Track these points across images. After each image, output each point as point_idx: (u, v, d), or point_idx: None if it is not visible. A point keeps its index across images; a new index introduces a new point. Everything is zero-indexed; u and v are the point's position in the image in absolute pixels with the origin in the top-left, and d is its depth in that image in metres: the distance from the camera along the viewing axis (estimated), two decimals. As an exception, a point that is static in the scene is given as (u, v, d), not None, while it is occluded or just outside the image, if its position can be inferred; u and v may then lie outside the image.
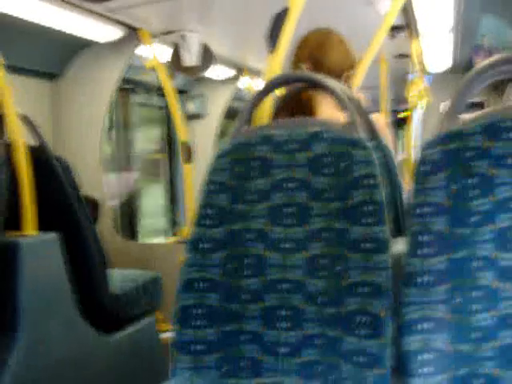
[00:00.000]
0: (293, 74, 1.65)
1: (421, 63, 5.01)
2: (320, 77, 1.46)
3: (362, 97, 1.95)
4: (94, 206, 3.06)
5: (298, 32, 1.72)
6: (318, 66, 1.84)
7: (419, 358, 1.13)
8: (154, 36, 3.65)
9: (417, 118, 5.88)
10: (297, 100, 1.79)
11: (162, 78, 3.72)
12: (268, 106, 1.63)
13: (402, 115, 9.09)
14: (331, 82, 1.43)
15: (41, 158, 2.23)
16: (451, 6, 3.46)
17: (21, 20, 2.97)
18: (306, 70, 1.81)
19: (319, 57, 1.85)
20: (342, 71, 1.88)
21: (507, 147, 1.17)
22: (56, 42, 3.47)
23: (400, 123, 9.75)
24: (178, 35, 3.63)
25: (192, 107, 5.36)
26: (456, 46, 4.67)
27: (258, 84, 5.08)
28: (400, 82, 6.35)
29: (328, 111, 1.78)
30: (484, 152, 1.18)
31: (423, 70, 5.31)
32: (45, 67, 3.61)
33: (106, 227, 3.60)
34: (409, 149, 5.76)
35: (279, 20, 1.63)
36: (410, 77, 5.23)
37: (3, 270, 1.87)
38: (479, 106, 5.55)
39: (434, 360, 1.13)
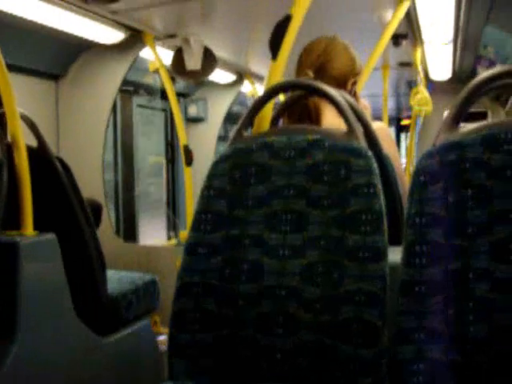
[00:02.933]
0: (293, 81, 1.65)
1: (424, 71, 5.02)
2: (320, 84, 1.46)
3: (367, 105, 1.96)
4: (96, 208, 3.06)
5: (299, 39, 1.73)
6: (323, 72, 1.85)
7: (413, 367, 1.14)
8: (158, 39, 3.66)
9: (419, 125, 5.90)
10: (303, 106, 1.80)
11: (165, 81, 3.73)
12: (268, 111, 1.64)
13: (404, 123, 9.11)
14: (331, 90, 1.44)
15: (42, 158, 2.23)
16: (453, 15, 3.47)
17: (25, 21, 2.98)
18: (311, 77, 1.82)
19: (324, 63, 1.86)
20: (348, 78, 1.89)
21: (506, 159, 1.17)
22: (60, 43, 3.48)
23: (402, 130, 9.78)
24: (181, 39, 3.64)
25: (193, 111, 5.38)
26: (458, 56, 4.68)
27: (262, 89, 5.09)
28: (403, 90, 6.37)
29: (332, 118, 1.79)
30: (482, 163, 1.18)
31: (426, 79, 5.32)
32: (49, 68, 3.62)
33: (106, 229, 3.60)
34: (411, 157, 5.77)
35: (281, 27, 1.63)
36: (413, 85, 5.24)
37: (1, 269, 1.87)
38: (482, 115, 5.55)
39: (427, 370, 1.13)
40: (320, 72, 1.85)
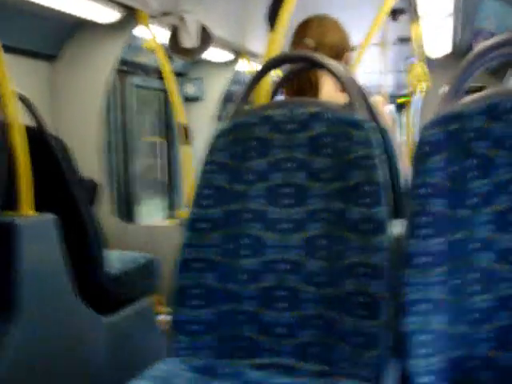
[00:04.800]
0: (293, 54, 1.64)
1: (421, 47, 4.98)
2: (321, 57, 1.45)
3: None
4: (92, 188, 3.04)
5: (297, 13, 1.71)
6: (321, 42, 1.87)
7: (417, 338, 1.13)
8: (152, 17, 3.62)
9: (417, 102, 5.87)
10: (303, 78, 1.79)
11: (161, 60, 3.69)
12: (267, 85, 1.62)
13: (402, 100, 9.09)
14: (332, 63, 1.42)
15: (38, 138, 2.21)
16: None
17: (19, 0, 2.94)
18: (312, 45, 1.82)
19: (323, 34, 1.89)
20: (343, 51, 1.90)
21: (508, 128, 1.16)
22: (54, 23, 3.44)
23: (400, 107, 9.76)
24: (176, 17, 3.60)
25: (190, 90, 5.34)
26: (456, 31, 4.64)
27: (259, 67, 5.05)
28: (402, 66, 6.33)
29: (329, 91, 1.78)
30: (484, 133, 1.17)
31: (424, 54, 5.28)
32: (43, 48, 3.58)
33: (105, 209, 3.59)
34: (408, 132, 5.76)
35: (278, 0, 1.61)
36: (412, 60, 5.20)
37: (0, 250, 1.86)
38: (480, 90, 5.52)
39: (431, 341, 1.13)
40: (319, 41, 1.86)
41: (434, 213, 1.16)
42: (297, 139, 1.37)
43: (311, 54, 1.54)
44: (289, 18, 1.63)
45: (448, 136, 1.18)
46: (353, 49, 1.97)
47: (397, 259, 1.21)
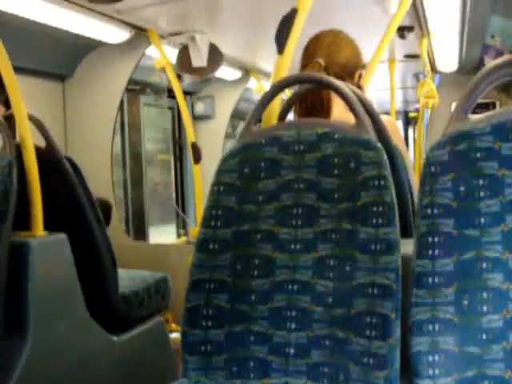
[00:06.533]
0: (302, 75, 1.65)
1: (430, 63, 4.99)
2: (328, 77, 1.46)
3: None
4: (105, 208, 3.06)
5: (305, 33, 1.73)
6: (332, 60, 1.86)
7: (427, 359, 1.13)
8: (163, 37, 3.66)
9: (426, 119, 5.87)
10: (314, 97, 1.80)
11: (172, 79, 3.72)
12: (276, 106, 1.63)
13: (412, 115, 9.08)
14: (339, 83, 1.43)
15: (51, 159, 2.24)
16: (459, 5, 3.45)
17: (30, 22, 2.98)
18: (323, 65, 1.82)
19: (334, 52, 1.88)
20: (356, 68, 1.90)
21: None
22: (66, 44, 3.49)
23: (408, 123, 9.75)
24: (186, 36, 3.64)
25: (200, 108, 5.38)
26: (464, 46, 4.65)
27: (268, 85, 5.08)
28: (410, 82, 6.34)
29: (341, 111, 1.79)
30: (493, 153, 1.17)
31: (433, 70, 5.29)
32: (55, 69, 3.63)
33: (116, 228, 3.61)
34: (419, 149, 5.74)
35: (287, 21, 1.63)
36: (420, 77, 5.22)
37: (13, 270, 1.88)
38: (491, 106, 5.53)
39: (442, 361, 1.13)
40: (329, 60, 1.85)
41: (442, 233, 1.16)
42: (305, 160, 1.38)
43: (319, 75, 1.55)
44: (296, 42, 1.64)
45: (456, 156, 1.19)
46: (364, 66, 1.97)
47: (406, 279, 1.21)
